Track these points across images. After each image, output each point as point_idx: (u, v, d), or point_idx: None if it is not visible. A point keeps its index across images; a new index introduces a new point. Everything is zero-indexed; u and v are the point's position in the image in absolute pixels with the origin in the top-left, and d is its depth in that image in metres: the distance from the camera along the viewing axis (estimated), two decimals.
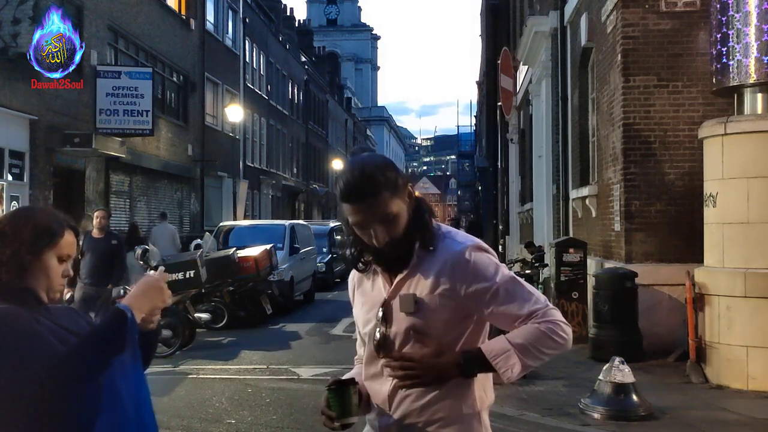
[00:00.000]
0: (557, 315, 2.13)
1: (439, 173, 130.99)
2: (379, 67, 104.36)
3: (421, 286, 2.14)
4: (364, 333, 2.26)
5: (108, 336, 1.97)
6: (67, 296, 9.11)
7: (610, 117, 10.47)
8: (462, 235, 2.21)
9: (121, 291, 11.16)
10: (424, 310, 2.11)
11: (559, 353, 2.15)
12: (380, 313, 2.19)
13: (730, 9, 8.24)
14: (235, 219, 24.21)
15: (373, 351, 2.21)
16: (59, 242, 2.13)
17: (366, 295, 2.29)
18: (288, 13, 52.76)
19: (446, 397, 2.12)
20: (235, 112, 26.61)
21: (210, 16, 28.20)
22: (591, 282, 10.15)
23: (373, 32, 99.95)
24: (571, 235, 13.30)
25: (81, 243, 9.21)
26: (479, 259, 2.12)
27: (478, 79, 47.93)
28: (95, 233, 9.47)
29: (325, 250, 21.80)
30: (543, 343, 2.08)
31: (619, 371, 6.72)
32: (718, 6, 8.42)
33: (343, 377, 2.28)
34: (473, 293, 2.10)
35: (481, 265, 2.11)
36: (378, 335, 2.19)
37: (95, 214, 9.71)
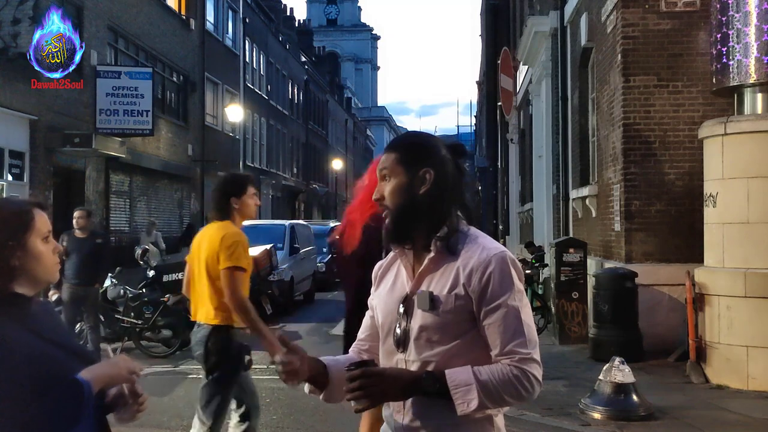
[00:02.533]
0: (535, 369, 2.05)
1: None
2: (379, 67, 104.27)
3: (439, 284, 2.12)
4: (382, 324, 2.24)
5: (61, 408, 1.92)
6: (54, 297, 9.08)
7: (610, 117, 10.47)
8: (491, 242, 2.17)
9: (109, 281, 11.11)
10: (438, 309, 2.10)
11: (516, 404, 2.10)
12: (401, 308, 2.18)
13: (730, 9, 8.24)
14: None
15: (392, 345, 2.20)
16: (35, 225, 2.07)
17: (389, 285, 2.28)
18: (288, 13, 52.78)
19: None
20: (235, 112, 26.63)
21: (210, 16, 28.20)
22: (591, 282, 10.15)
23: (373, 32, 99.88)
24: (571, 235, 13.30)
25: (65, 243, 9.17)
26: (499, 271, 2.08)
27: (478, 79, 47.91)
28: (78, 233, 9.38)
29: (325, 250, 21.78)
30: (506, 389, 2.02)
31: (619, 371, 6.72)
32: (718, 6, 8.42)
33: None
34: (477, 300, 2.08)
35: (497, 278, 2.07)
36: (399, 330, 2.18)
37: (74, 214, 9.60)
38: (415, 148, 2.21)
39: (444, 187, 2.17)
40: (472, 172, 52.45)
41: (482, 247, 2.12)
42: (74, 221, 9.41)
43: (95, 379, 2.01)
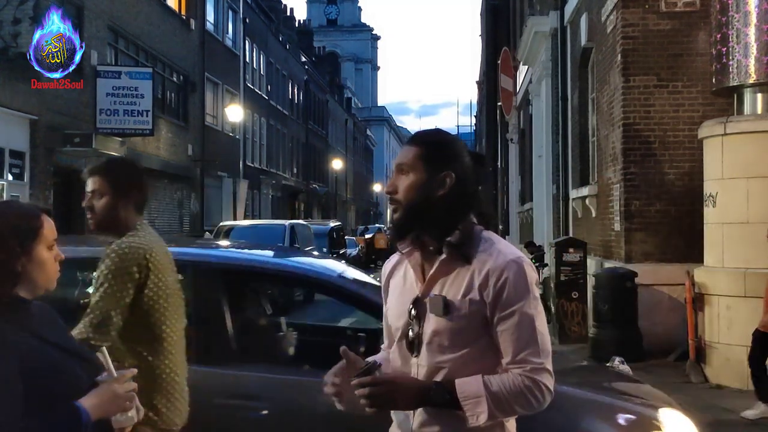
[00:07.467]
0: (546, 378, 2.01)
1: None
2: (379, 67, 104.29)
3: (453, 288, 2.07)
4: (396, 328, 2.20)
5: None
6: None
7: (610, 117, 10.48)
8: (509, 247, 2.11)
9: None
10: (453, 314, 2.05)
11: (526, 414, 2.06)
12: (413, 311, 2.13)
13: (730, 9, 8.24)
14: (235, 219, 24.22)
15: (406, 350, 2.15)
16: (43, 233, 2.04)
17: (399, 287, 2.22)
18: (288, 13, 52.78)
19: None
20: (235, 112, 26.62)
21: (210, 16, 28.21)
22: (591, 282, 10.15)
23: (373, 32, 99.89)
24: (571, 234, 13.30)
25: None
26: (515, 277, 2.03)
27: (478, 79, 47.91)
28: None
29: (325, 250, 21.79)
30: (517, 400, 1.99)
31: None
32: (718, 6, 8.42)
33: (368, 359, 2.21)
34: (491, 305, 2.03)
35: (512, 283, 2.02)
36: (412, 334, 2.13)
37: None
38: (440, 148, 2.12)
39: (462, 193, 2.10)
40: None
41: (499, 252, 2.06)
42: None
43: (94, 408, 1.97)
